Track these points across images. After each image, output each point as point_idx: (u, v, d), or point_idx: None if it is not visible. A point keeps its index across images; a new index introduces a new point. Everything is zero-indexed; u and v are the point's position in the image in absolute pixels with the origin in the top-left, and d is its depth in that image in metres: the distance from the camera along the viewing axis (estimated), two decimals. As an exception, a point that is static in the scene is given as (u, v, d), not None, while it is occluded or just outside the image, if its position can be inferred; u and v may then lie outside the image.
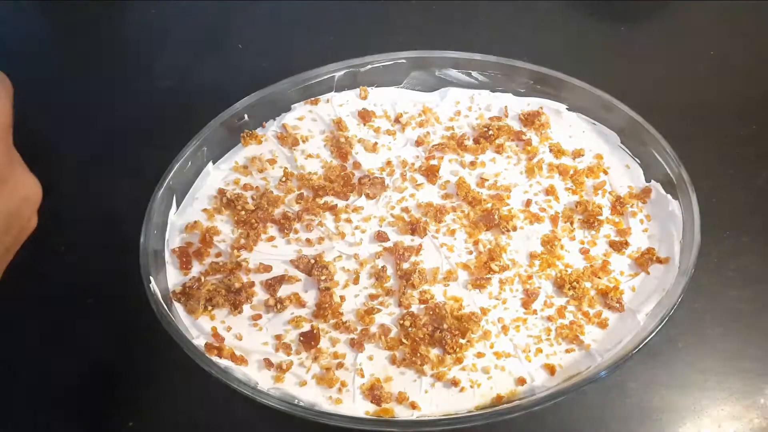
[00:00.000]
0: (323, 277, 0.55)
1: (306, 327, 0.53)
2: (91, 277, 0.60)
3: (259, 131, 0.66)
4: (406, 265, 0.56)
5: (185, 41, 0.81)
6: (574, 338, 0.52)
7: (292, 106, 0.67)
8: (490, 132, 0.64)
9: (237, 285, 0.54)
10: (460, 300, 0.54)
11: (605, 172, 0.63)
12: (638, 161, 0.63)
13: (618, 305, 0.54)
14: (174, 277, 0.56)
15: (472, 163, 0.63)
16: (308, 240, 0.58)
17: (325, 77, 0.67)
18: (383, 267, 0.56)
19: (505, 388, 0.50)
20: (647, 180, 0.61)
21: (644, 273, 0.56)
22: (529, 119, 0.65)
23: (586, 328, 0.53)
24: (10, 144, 0.39)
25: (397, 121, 0.67)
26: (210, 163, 0.63)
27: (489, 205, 0.59)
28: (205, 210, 0.60)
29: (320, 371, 0.51)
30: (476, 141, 0.65)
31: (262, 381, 0.50)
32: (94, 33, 0.84)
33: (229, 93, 0.65)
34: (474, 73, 0.68)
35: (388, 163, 0.64)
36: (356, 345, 0.52)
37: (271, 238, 0.59)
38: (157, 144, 0.66)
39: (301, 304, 0.54)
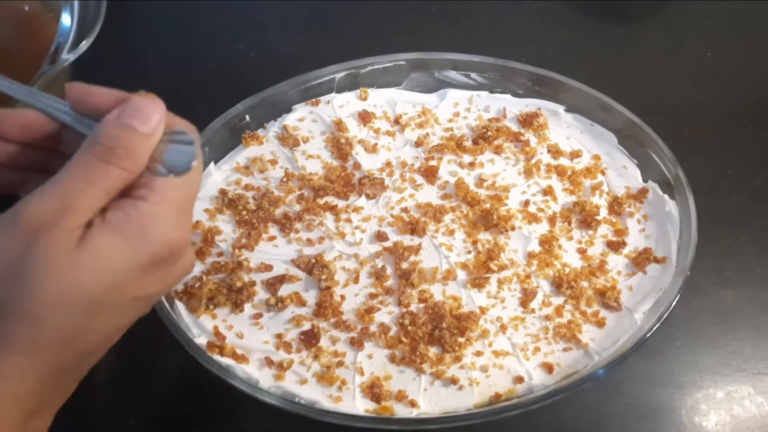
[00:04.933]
0: (324, 277, 0.55)
1: (306, 326, 0.53)
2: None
3: (260, 132, 0.66)
4: (405, 265, 0.57)
5: (186, 41, 0.82)
6: (572, 337, 0.53)
7: (293, 107, 0.68)
8: (489, 133, 0.64)
9: (238, 284, 0.55)
10: (458, 299, 0.55)
11: (603, 173, 0.63)
12: (636, 162, 0.63)
13: (615, 304, 0.54)
14: (176, 277, 0.57)
15: (471, 164, 0.64)
16: (309, 240, 0.59)
17: (326, 78, 0.67)
18: (383, 266, 0.56)
19: (503, 386, 0.50)
20: (644, 180, 0.62)
21: (641, 272, 0.56)
22: (528, 120, 0.66)
23: (584, 327, 0.53)
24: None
25: (396, 122, 0.67)
26: (212, 164, 0.63)
27: (488, 205, 0.60)
28: (206, 210, 0.61)
29: (320, 369, 0.51)
30: (475, 142, 0.65)
31: (263, 379, 0.51)
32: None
33: (230, 94, 0.65)
34: (473, 75, 0.68)
35: (388, 163, 0.64)
36: (356, 343, 0.52)
37: (272, 238, 0.59)
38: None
39: (302, 303, 0.55)
